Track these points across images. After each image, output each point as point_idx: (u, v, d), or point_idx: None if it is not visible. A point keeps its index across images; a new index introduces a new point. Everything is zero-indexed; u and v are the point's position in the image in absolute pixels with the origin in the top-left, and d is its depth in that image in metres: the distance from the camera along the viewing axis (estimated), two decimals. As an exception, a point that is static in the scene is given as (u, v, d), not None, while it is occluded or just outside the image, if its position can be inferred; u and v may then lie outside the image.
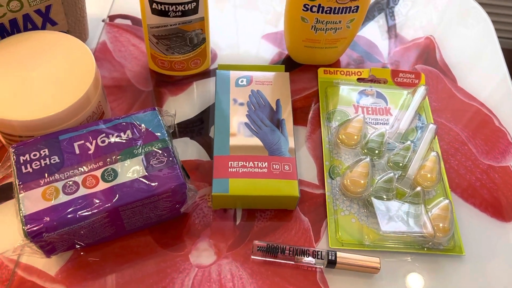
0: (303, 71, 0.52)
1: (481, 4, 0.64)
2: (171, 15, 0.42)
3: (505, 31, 1.41)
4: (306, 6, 0.45)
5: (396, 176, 0.43)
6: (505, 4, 1.33)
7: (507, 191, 0.45)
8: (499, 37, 0.59)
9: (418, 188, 0.42)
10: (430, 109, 0.50)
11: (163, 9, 0.42)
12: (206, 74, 0.51)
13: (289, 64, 0.52)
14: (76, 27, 0.47)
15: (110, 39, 0.52)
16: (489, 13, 0.63)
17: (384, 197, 0.42)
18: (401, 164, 0.44)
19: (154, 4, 0.41)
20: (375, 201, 0.41)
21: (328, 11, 0.45)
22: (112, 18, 0.54)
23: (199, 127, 0.47)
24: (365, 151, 0.45)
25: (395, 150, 0.45)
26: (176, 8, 0.42)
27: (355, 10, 0.46)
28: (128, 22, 0.54)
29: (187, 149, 0.45)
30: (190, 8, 0.42)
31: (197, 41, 0.46)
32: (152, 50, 0.47)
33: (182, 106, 0.48)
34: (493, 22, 0.61)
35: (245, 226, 0.41)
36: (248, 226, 0.41)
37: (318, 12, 0.45)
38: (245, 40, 0.54)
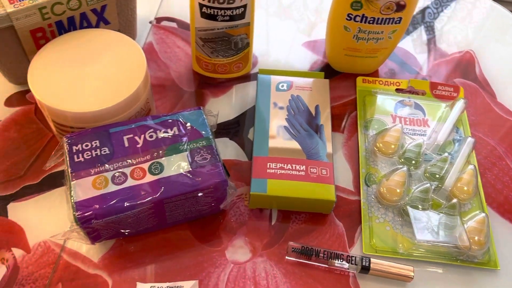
0: (342, 79, 0.53)
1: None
2: (219, 19, 0.44)
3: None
4: (350, 15, 0.46)
5: (433, 187, 0.43)
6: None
7: (545, 209, 0.44)
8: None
9: (454, 200, 0.42)
10: (468, 122, 0.50)
11: (212, 13, 0.43)
12: (246, 77, 0.52)
13: (328, 71, 0.53)
14: (127, 27, 0.50)
15: (157, 40, 0.54)
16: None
17: (420, 207, 0.42)
18: (437, 176, 0.44)
19: (204, 7, 0.43)
20: (411, 210, 0.42)
21: (371, 21, 0.46)
22: (159, 20, 0.56)
23: (238, 128, 0.48)
24: (402, 160, 0.45)
25: (432, 161, 0.45)
26: (225, 12, 0.43)
27: (398, 22, 0.46)
28: (174, 24, 0.56)
29: (226, 149, 0.46)
30: (237, 13, 0.44)
31: (242, 45, 0.48)
32: (197, 52, 0.48)
33: (223, 107, 0.49)
34: (535, 39, 0.60)
35: (280, 227, 0.42)
36: (283, 227, 0.42)
37: (361, 21, 0.46)
38: (283, 46, 0.55)
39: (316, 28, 0.58)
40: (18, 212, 0.41)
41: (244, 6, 0.44)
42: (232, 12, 0.43)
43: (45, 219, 0.40)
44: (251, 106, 0.50)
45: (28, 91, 0.48)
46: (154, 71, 0.51)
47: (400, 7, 0.45)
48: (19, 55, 0.44)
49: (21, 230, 0.40)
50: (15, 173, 0.43)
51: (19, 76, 0.47)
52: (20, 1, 0.40)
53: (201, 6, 0.43)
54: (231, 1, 0.42)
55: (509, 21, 0.61)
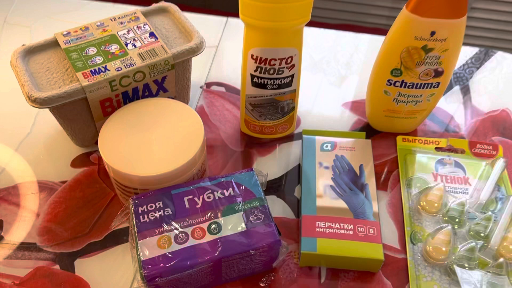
0: (382, 138, 0.55)
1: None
2: (268, 88, 0.48)
3: None
4: (390, 81, 0.49)
5: (478, 246, 0.44)
6: None
7: None
8: None
9: (501, 260, 0.43)
10: (510, 181, 0.51)
11: (262, 82, 0.47)
12: (290, 137, 0.55)
13: (368, 130, 0.56)
14: (182, 93, 0.54)
15: (207, 103, 0.58)
16: None
17: (466, 265, 0.43)
18: (482, 234, 0.45)
19: (255, 78, 0.47)
20: (458, 269, 0.42)
21: (410, 86, 0.49)
22: (208, 85, 0.61)
23: (284, 186, 0.51)
24: (446, 218, 0.47)
25: (476, 220, 0.46)
26: (274, 82, 0.47)
27: (436, 86, 0.49)
28: (222, 89, 0.60)
29: (273, 206, 0.49)
30: (285, 82, 0.48)
31: (287, 109, 0.51)
32: (246, 115, 0.52)
33: (269, 165, 0.52)
34: None
35: (330, 285, 0.43)
36: (332, 284, 0.43)
37: (400, 86, 0.49)
38: (324, 106, 0.59)
39: (357, 89, 0.61)
40: (84, 267, 0.44)
41: (292, 76, 0.47)
42: (280, 82, 0.47)
43: (109, 275, 0.43)
44: (295, 164, 0.53)
45: (91, 153, 0.53)
46: (206, 132, 0.55)
47: (438, 73, 0.48)
48: (87, 121, 0.49)
49: (87, 285, 0.43)
50: (81, 231, 0.46)
51: (85, 140, 0.52)
52: (93, 75, 0.45)
53: (253, 76, 0.47)
54: (280, 72, 0.46)
55: (543, 79, 0.63)
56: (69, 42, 0.48)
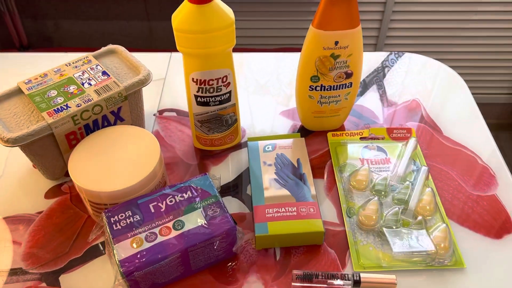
0: (315, 136, 0.65)
1: (453, 67, 0.78)
2: (211, 104, 0.56)
3: (476, 88, 1.62)
4: (311, 87, 0.59)
5: (400, 210, 0.53)
6: (475, 65, 1.50)
7: (495, 214, 0.54)
8: (472, 93, 0.71)
9: (419, 218, 0.52)
10: (423, 155, 0.61)
11: (205, 100, 0.56)
12: (238, 146, 0.64)
13: (303, 132, 0.65)
14: (137, 121, 0.62)
15: (162, 128, 0.66)
16: (461, 74, 0.77)
17: (393, 227, 0.52)
18: (403, 201, 0.54)
19: (199, 97, 0.56)
20: (386, 231, 0.51)
21: (328, 89, 0.59)
22: (161, 112, 0.69)
23: (237, 187, 0.58)
24: (373, 192, 0.56)
25: (397, 189, 0.56)
26: (215, 99, 0.56)
27: (349, 86, 0.59)
28: (174, 113, 0.68)
29: (230, 205, 0.56)
30: (225, 98, 0.56)
31: (231, 121, 0.60)
32: (197, 132, 0.60)
33: (223, 172, 0.60)
34: (465, 80, 0.74)
35: (284, 261, 0.51)
36: (286, 261, 0.51)
37: (321, 90, 0.59)
38: (265, 117, 0.68)
39: (291, 98, 0.71)
40: (69, 281, 0.49)
41: (229, 92, 0.56)
42: (220, 98, 0.56)
43: (92, 283, 0.49)
44: (245, 168, 0.61)
45: (62, 184, 0.59)
46: (164, 152, 0.62)
47: (349, 75, 0.58)
48: (56, 155, 0.56)
49: (73, 295, 0.48)
50: (61, 251, 0.52)
51: (55, 173, 0.58)
52: (56, 113, 0.52)
53: (196, 96, 0.56)
54: (218, 90, 0.55)
55: (441, 71, 0.75)
56: (32, 88, 0.55)
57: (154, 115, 0.68)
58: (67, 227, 0.54)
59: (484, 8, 1.47)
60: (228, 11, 0.50)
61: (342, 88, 0.59)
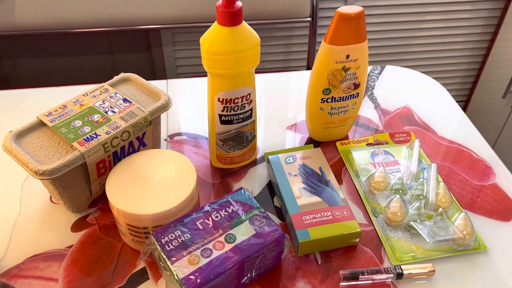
0: (324, 146, 0.68)
1: (431, 76, 0.86)
2: (234, 123, 0.58)
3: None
4: (323, 99, 0.63)
5: (422, 204, 0.58)
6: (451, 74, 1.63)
7: (500, 200, 0.60)
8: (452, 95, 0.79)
9: (440, 209, 0.57)
10: (426, 155, 0.67)
11: (229, 119, 0.58)
12: (254, 162, 0.66)
13: (312, 143, 0.68)
14: (155, 146, 0.62)
15: (176, 151, 0.67)
16: (438, 80, 0.85)
17: (418, 220, 0.56)
18: (421, 196, 0.59)
19: (223, 117, 0.57)
20: (414, 224, 0.55)
21: (338, 100, 0.63)
22: (171, 136, 0.69)
23: (264, 200, 0.60)
24: (393, 191, 0.60)
25: (414, 187, 0.60)
26: (238, 117, 0.58)
27: (356, 96, 0.64)
28: (184, 137, 0.69)
29: (261, 219, 0.58)
30: (247, 115, 0.59)
31: (250, 138, 0.62)
32: (217, 151, 0.62)
33: (246, 187, 0.62)
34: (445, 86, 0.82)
35: (326, 264, 0.53)
36: (328, 263, 0.53)
37: (332, 102, 0.63)
38: (274, 132, 0.71)
39: (297, 112, 0.74)
40: (118, 310, 0.48)
41: (251, 109, 0.59)
42: (243, 116, 0.58)
43: (144, 309, 0.48)
44: (267, 181, 0.63)
45: (87, 216, 0.58)
46: (183, 175, 0.63)
47: (357, 86, 0.63)
48: (83, 185, 0.55)
49: (126, 324, 0.47)
50: (103, 282, 0.51)
51: (80, 204, 0.56)
52: (87, 142, 0.52)
53: (220, 116, 0.57)
54: (242, 108, 0.57)
55: (418, 78, 0.83)
56: (54, 120, 0.54)
57: (165, 140, 0.69)
58: (103, 257, 0.53)
59: (430, 13, 1.61)
60: (254, 31, 0.53)
61: (350, 99, 0.64)
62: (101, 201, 0.59)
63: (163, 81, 0.81)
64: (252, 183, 0.63)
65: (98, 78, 1.51)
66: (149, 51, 1.55)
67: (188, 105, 0.76)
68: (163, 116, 0.73)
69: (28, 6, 1.17)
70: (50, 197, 0.60)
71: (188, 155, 0.66)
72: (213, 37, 0.51)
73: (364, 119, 0.74)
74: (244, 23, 0.52)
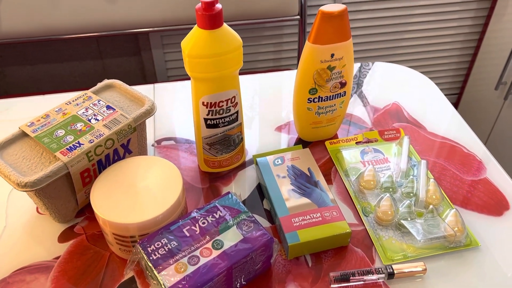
0: (313, 146, 0.68)
1: (420, 70, 0.85)
2: (220, 126, 0.58)
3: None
4: (310, 99, 0.62)
5: (412, 202, 0.57)
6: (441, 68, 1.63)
7: (491, 195, 0.60)
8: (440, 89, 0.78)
9: (431, 207, 0.56)
10: (416, 151, 0.66)
11: (215, 123, 0.57)
12: (242, 165, 0.65)
13: (300, 143, 0.68)
14: (142, 152, 0.61)
15: (163, 156, 0.66)
16: (430, 76, 0.84)
17: (409, 218, 0.56)
18: (411, 194, 0.58)
19: (208, 120, 0.57)
20: (405, 223, 0.55)
21: (325, 99, 0.63)
22: (158, 142, 0.69)
23: (253, 203, 0.60)
24: (383, 190, 0.59)
25: (404, 184, 0.60)
26: (224, 120, 0.57)
27: (343, 94, 0.63)
28: (172, 142, 0.69)
29: (250, 223, 0.57)
30: (233, 118, 0.58)
31: (238, 141, 0.61)
32: (205, 155, 0.61)
33: (235, 191, 0.61)
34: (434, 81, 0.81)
35: (317, 266, 0.52)
36: (319, 266, 0.52)
37: (318, 101, 0.63)
38: (261, 134, 0.70)
39: (285, 113, 0.74)
40: (107, 321, 0.47)
41: (237, 112, 0.58)
42: (229, 119, 0.57)
43: (132, 319, 0.48)
44: (256, 184, 0.62)
45: (74, 226, 0.57)
46: (171, 180, 0.62)
47: (343, 84, 0.62)
48: (68, 196, 0.54)
49: (115, 335, 0.46)
50: (91, 292, 0.50)
51: (66, 215, 0.56)
52: (70, 151, 0.51)
53: (206, 120, 0.57)
54: (228, 111, 0.57)
55: (406, 74, 0.82)
56: (37, 130, 0.54)
57: (152, 145, 0.68)
58: (91, 268, 0.52)
59: (417, 11, 1.61)
60: (235, 34, 0.52)
61: (337, 98, 0.63)
62: (87, 210, 0.59)
63: (150, 86, 0.80)
64: (242, 186, 0.62)
65: (88, 83, 1.50)
66: (139, 55, 1.54)
67: (176, 109, 0.75)
68: (150, 121, 0.72)
69: (14, 13, 1.16)
70: (37, 207, 0.59)
71: (176, 160, 0.66)
72: (194, 41, 0.50)
73: (353, 118, 0.73)
74: (225, 25, 0.51)
